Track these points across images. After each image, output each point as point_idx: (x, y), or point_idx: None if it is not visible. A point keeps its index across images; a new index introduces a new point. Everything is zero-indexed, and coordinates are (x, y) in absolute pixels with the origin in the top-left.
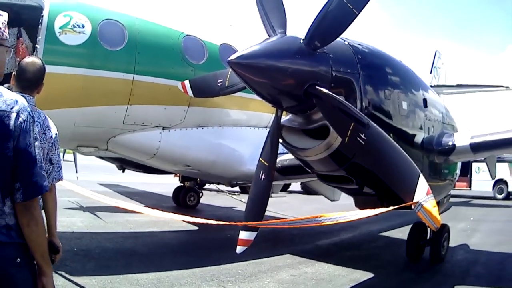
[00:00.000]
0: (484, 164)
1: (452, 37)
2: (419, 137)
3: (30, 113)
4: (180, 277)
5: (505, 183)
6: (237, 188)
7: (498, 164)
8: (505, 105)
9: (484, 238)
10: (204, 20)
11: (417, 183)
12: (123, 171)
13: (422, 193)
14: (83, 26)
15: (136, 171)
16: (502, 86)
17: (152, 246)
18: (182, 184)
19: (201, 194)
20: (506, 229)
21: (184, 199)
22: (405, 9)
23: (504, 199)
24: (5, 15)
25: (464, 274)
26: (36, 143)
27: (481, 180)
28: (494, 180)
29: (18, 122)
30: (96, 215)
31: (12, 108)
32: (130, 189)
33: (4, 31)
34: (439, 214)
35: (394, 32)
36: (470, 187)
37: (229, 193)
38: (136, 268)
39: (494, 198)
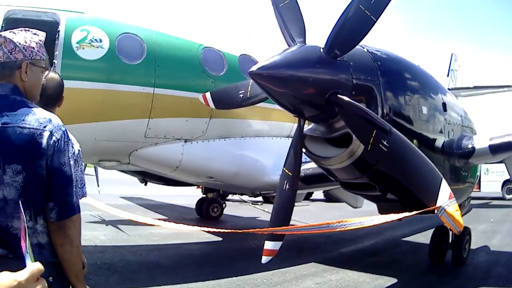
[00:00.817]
0: (493, 165)
1: (467, 39)
2: (440, 141)
3: (65, 132)
4: (205, 287)
5: None
6: (260, 198)
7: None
8: None
9: (505, 239)
10: (223, 31)
11: (439, 188)
12: (145, 184)
13: (445, 197)
14: (100, 41)
15: (159, 184)
16: None
17: (177, 258)
18: (205, 196)
19: (224, 205)
20: None
21: (208, 211)
22: (417, 12)
23: None
24: (41, 35)
25: (485, 275)
26: (71, 162)
27: (490, 181)
28: (502, 181)
29: (52, 141)
30: (119, 228)
31: (45, 127)
32: (153, 201)
33: (38, 50)
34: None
35: (407, 36)
36: (479, 188)
37: (252, 203)
38: (160, 280)
39: (503, 198)
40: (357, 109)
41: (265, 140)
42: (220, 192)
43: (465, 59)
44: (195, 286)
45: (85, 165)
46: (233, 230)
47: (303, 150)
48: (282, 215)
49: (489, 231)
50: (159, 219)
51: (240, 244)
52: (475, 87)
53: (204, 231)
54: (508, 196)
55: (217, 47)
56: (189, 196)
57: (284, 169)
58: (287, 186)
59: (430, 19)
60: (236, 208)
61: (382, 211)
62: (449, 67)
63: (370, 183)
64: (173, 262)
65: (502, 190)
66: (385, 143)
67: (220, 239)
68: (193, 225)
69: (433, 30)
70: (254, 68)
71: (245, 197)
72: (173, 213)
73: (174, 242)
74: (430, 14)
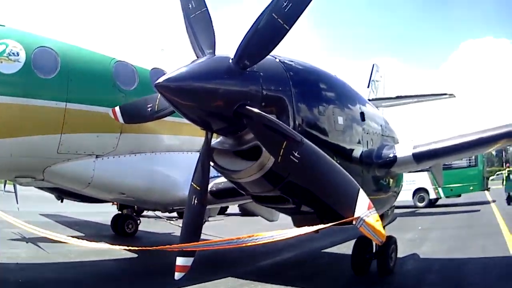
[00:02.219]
0: (403, 174)
1: (393, 54)
2: (358, 152)
3: None
4: None
5: (426, 191)
6: (174, 214)
7: (418, 174)
8: (453, 114)
9: (435, 246)
10: (135, 45)
11: (357, 198)
12: (62, 201)
13: (363, 208)
14: (17, 54)
15: (75, 200)
16: (446, 94)
17: (95, 276)
18: (120, 212)
19: (139, 221)
20: (458, 235)
21: (123, 227)
22: (338, 29)
23: (425, 207)
24: None
25: (416, 283)
26: None
27: (402, 190)
28: (413, 190)
29: None
30: (39, 246)
31: None
32: (71, 218)
33: None
34: (384, 226)
35: (327, 53)
36: None
37: (167, 219)
38: None
39: (415, 206)
40: (266, 121)
41: (176, 155)
42: (135, 208)
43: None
44: None
45: (5, 182)
46: (142, 248)
47: (212, 164)
48: (192, 231)
49: (417, 239)
50: (76, 236)
51: (155, 260)
52: (398, 97)
53: (116, 248)
54: (420, 204)
55: (129, 61)
56: (106, 213)
57: (192, 183)
58: (195, 201)
59: (353, 32)
60: (152, 224)
61: (297, 223)
62: (370, 77)
63: (283, 195)
64: (91, 279)
65: (413, 198)
66: (296, 154)
67: (136, 255)
68: (108, 243)
69: (358, 45)
70: (160, 80)
71: (160, 213)
72: (90, 230)
73: (91, 259)
74: (354, 29)
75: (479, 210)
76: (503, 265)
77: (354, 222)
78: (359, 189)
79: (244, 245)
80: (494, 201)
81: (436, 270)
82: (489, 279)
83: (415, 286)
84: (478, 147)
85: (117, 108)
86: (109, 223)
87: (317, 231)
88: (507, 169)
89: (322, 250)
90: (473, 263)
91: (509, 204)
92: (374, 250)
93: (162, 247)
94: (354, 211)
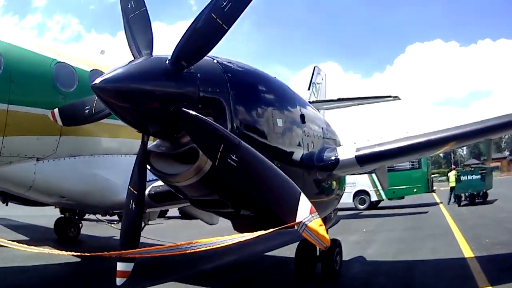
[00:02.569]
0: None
1: (335, 59)
2: (298, 154)
3: None
4: None
5: (367, 193)
6: (116, 217)
7: (358, 176)
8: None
9: (382, 248)
10: (75, 46)
11: (298, 202)
12: (6, 204)
13: (305, 212)
14: None
15: (19, 203)
16: (390, 97)
17: (39, 281)
18: (62, 216)
19: (80, 225)
20: (406, 237)
21: (65, 231)
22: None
23: (367, 209)
24: None
25: (365, 287)
26: None
27: None
28: (353, 192)
29: None
30: None
31: None
32: (16, 222)
33: None
34: (327, 229)
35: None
36: None
37: (108, 223)
38: None
39: (356, 209)
40: (203, 123)
41: (115, 158)
42: (76, 212)
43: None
44: None
45: None
46: (82, 254)
47: (149, 167)
48: (131, 236)
49: (363, 241)
50: (21, 240)
51: (98, 265)
52: (339, 99)
53: (53, 254)
54: (361, 207)
55: (69, 62)
56: (51, 216)
57: (130, 187)
58: (133, 205)
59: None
60: (94, 227)
61: (237, 228)
62: (311, 80)
63: (221, 200)
64: (36, 285)
65: (354, 201)
66: (233, 157)
67: (79, 260)
68: (52, 247)
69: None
70: (96, 81)
71: (100, 216)
72: (34, 233)
73: (36, 263)
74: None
75: (427, 212)
76: (456, 266)
77: (296, 227)
78: (300, 193)
79: (183, 252)
80: (442, 202)
81: (384, 272)
82: (442, 281)
83: None
84: (426, 149)
85: (56, 110)
86: (52, 226)
87: (257, 237)
88: (453, 171)
89: (264, 254)
90: (424, 265)
91: (459, 205)
92: (318, 253)
93: (101, 253)
94: (296, 216)
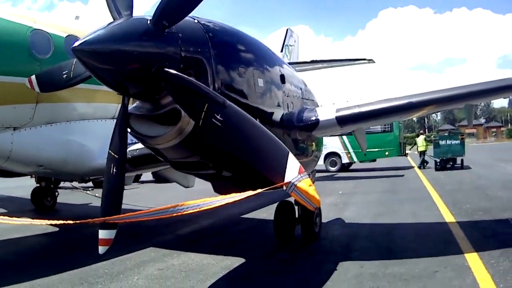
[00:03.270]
0: (323, 138)
1: (307, 22)
2: (278, 115)
3: None
4: (51, 284)
5: (338, 155)
6: (90, 184)
7: (329, 138)
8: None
9: (360, 210)
10: (50, 13)
11: (286, 162)
12: None
13: (294, 172)
14: None
15: None
16: (365, 60)
17: (19, 254)
18: (38, 185)
19: (56, 193)
20: (383, 200)
21: (42, 201)
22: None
23: (338, 171)
24: None
25: (346, 249)
26: None
27: None
28: (325, 154)
29: None
30: None
31: None
32: None
33: None
34: None
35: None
36: None
37: (84, 190)
38: (9, 280)
39: (327, 171)
40: (186, 82)
41: (91, 123)
42: (52, 180)
43: (304, 39)
44: (41, 283)
45: None
46: (65, 222)
47: (129, 130)
48: (113, 202)
49: (340, 203)
50: None
51: (77, 233)
52: (313, 61)
53: (35, 224)
54: (332, 169)
55: (45, 29)
56: (28, 186)
57: (110, 151)
58: (114, 170)
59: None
60: (69, 195)
61: (217, 189)
62: (284, 42)
63: (203, 161)
64: (16, 258)
65: (325, 163)
66: (218, 117)
67: (58, 229)
68: (30, 217)
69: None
70: (76, 44)
71: (76, 184)
72: (12, 205)
73: (14, 236)
74: None
75: (403, 175)
76: (438, 231)
77: (285, 188)
78: (288, 153)
79: (170, 215)
80: (418, 166)
81: (364, 235)
82: (424, 245)
83: (344, 253)
84: (406, 111)
85: (33, 77)
86: (29, 197)
87: (245, 197)
88: (422, 135)
89: (241, 216)
90: (404, 229)
91: (437, 169)
92: (297, 215)
93: (86, 221)
94: (284, 176)
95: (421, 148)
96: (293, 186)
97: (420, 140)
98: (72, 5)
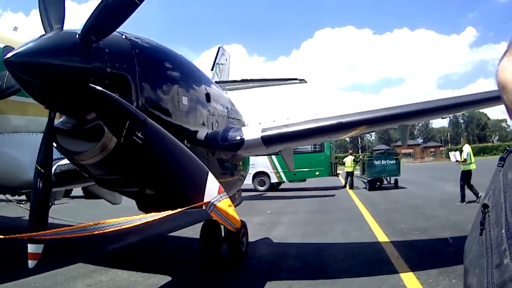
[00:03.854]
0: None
1: (240, 41)
2: (202, 133)
3: None
4: None
5: (267, 175)
6: (24, 197)
7: (257, 157)
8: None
9: (289, 230)
10: None
11: (206, 182)
12: None
13: (213, 192)
14: None
15: None
16: (296, 79)
17: None
18: None
19: None
20: (312, 220)
21: None
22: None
23: (267, 190)
24: None
25: (274, 269)
26: None
27: None
28: (253, 173)
29: None
30: None
31: None
32: None
33: None
34: None
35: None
36: None
37: (17, 203)
38: None
39: (255, 190)
40: (109, 99)
41: (23, 136)
42: None
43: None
44: None
45: None
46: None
47: (55, 145)
48: (39, 216)
49: (268, 223)
50: None
51: (10, 246)
52: (243, 80)
53: None
54: (261, 188)
55: None
56: None
57: (37, 166)
58: (40, 184)
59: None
60: (3, 208)
61: (142, 207)
62: (215, 60)
63: (126, 178)
64: None
65: (253, 182)
66: (139, 135)
67: None
68: None
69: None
70: (9, 55)
71: (9, 196)
72: None
73: None
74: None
75: (334, 195)
76: (370, 250)
77: (204, 207)
78: (208, 172)
79: (91, 233)
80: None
81: (293, 255)
82: (356, 265)
83: (273, 272)
84: (335, 132)
85: None
86: None
87: (165, 216)
88: (350, 156)
89: (169, 234)
90: (335, 248)
91: (370, 189)
92: (223, 234)
93: (13, 236)
94: (204, 196)
95: (348, 169)
96: (212, 206)
97: (348, 160)
98: (15, 15)
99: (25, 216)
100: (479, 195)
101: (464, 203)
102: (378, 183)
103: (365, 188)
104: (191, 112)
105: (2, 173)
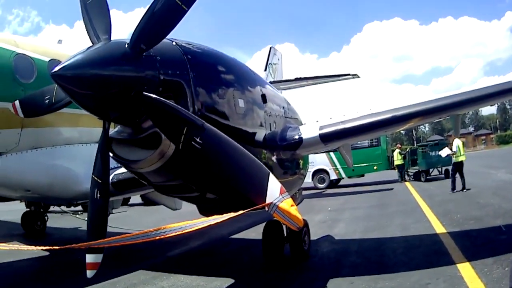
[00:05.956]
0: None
1: (292, 40)
2: (261, 135)
3: None
4: None
5: (326, 172)
6: (79, 207)
7: (316, 155)
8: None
9: (349, 226)
10: (33, 37)
11: (267, 183)
12: None
13: (275, 192)
14: None
15: None
16: (349, 75)
17: (11, 278)
18: (28, 209)
19: (46, 217)
20: (372, 215)
21: (32, 225)
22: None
23: (327, 188)
24: None
25: (336, 266)
26: None
27: None
28: (312, 171)
29: None
30: None
31: None
32: None
33: None
34: None
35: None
36: None
37: (73, 214)
38: None
39: (315, 188)
40: (165, 106)
41: (76, 147)
42: (41, 205)
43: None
44: None
45: None
46: (51, 247)
47: (111, 154)
48: (97, 225)
49: (329, 220)
50: None
51: (67, 257)
52: (297, 79)
53: (22, 249)
54: (320, 186)
55: (27, 53)
56: (17, 211)
57: (93, 176)
58: (98, 195)
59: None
60: (59, 219)
61: (203, 211)
62: (267, 61)
63: (186, 184)
64: (6, 282)
65: (313, 180)
66: (198, 140)
67: (48, 253)
68: (20, 242)
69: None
70: (56, 69)
71: (65, 208)
72: (1, 229)
73: (5, 260)
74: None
75: (392, 189)
76: (428, 243)
77: (266, 208)
78: (269, 173)
79: (152, 239)
80: (407, 179)
81: (354, 251)
82: (415, 258)
83: (335, 269)
84: (391, 126)
85: (16, 102)
86: (19, 221)
87: (226, 219)
88: (397, 149)
89: (230, 237)
90: (394, 242)
91: (425, 181)
92: (285, 234)
93: (70, 246)
94: (266, 197)
95: (397, 162)
96: (275, 206)
97: (395, 154)
98: (58, 27)
99: (82, 227)
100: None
101: (455, 191)
102: (424, 174)
103: (413, 180)
104: (248, 114)
105: (56, 185)
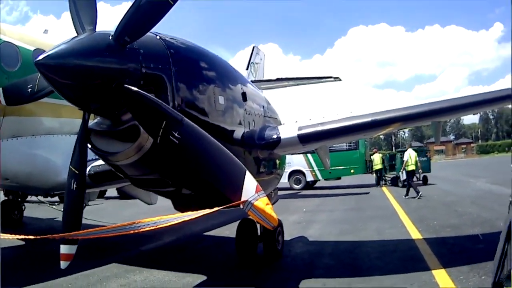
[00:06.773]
0: (286, 155)
1: (275, 40)
2: (239, 133)
3: None
4: None
5: (303, 173)
6: (56, 198)
7: (293, 156)
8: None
9: (324, 228)
10: (19, 26)
11: (243, 180)
12: None
13: (251, 190)
14: None
15: None
16: (331, 77)
17: None
18: (6, 198)
19: (23, 207)
20: (348, 218)
21: (9, 214)
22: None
23: (302, 189)
24: None
25: (309, 267)
26: None
27: None
28: (289, 171)
29: None
30: None
31: None
32: None
33: None
34: None
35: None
36: None
37: (50, 204)
38: None
39: (291, 188)
40: (144, 99)
41: (57, 138)
42: (19, 194)
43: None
44: None
45: None
46: (25, 237)
47: (89, 146)
48: (73, 216)
49: (303, 221)
50: None
51: (41, 247)
52: (278, 79)
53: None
54: (296, 186)
55: (13, 41)
56: None
57: (71, 167)
58: (74, 185)
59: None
60: (35, 209)
61: (178, 207)
62: (250, 59)
63: (163, 178)
64: None
65: (289, 180)
66: (176, 134)
67: (23, 243)
68: None
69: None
70: (40, 57)
71: (42, 198)
72: None
73: None
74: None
75: (368, 193)
76: (403, 248)
77: (241, 206)
78: (245, 171)
79: (127, 232)
80: (384, 184)
81: (328, 253)
82: (390, 262)
83: (308, 270)
84: (370, 129)
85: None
86: None
87: (201, 215)
88: (377, 154)
89: (204, 233)
90: (369, 246)
91: (403, 186)
92: (259, 233)
93: (45, 236)
94: (241, 194)
95: (376, 167)
96: (250, 204)
97: (377, 158)
98: (46, 18)
99: (58, 218)
100: (419, 193)
101: (408, 197)
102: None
103: (390, 185)
104: (228, 111)
105: (34, 175)
